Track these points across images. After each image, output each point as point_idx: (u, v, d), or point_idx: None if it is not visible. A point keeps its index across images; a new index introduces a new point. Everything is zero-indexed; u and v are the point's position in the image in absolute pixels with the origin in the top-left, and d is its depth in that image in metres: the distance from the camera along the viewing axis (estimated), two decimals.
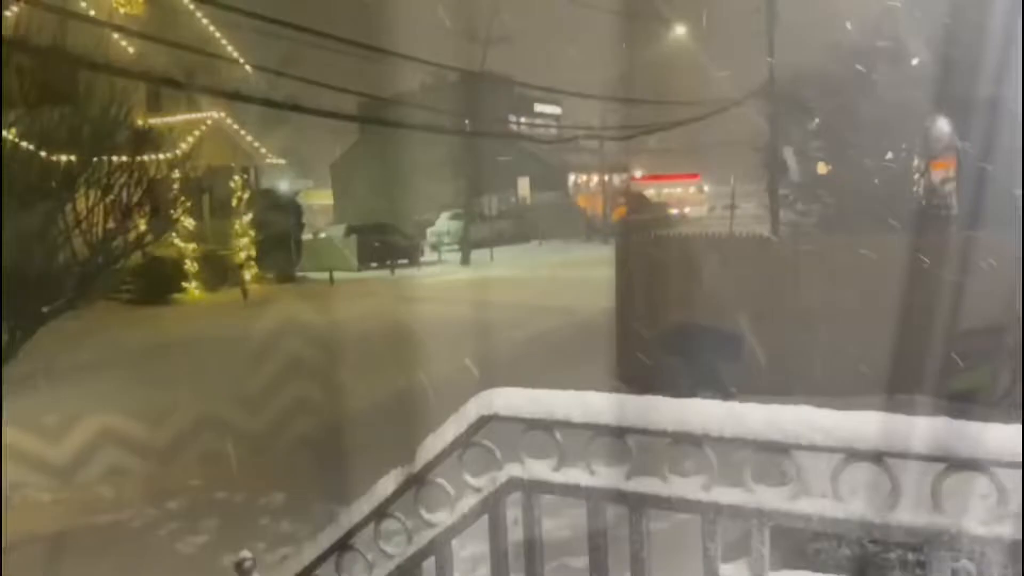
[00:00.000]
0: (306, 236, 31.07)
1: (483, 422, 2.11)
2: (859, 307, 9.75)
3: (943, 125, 15.64)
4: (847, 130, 12.94)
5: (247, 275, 24.54)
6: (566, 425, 2.02)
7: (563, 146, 38.96)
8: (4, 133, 8.74)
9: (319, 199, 53.13)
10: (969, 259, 9.32)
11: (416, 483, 2.25)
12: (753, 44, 19.05)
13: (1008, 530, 1.59)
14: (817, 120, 14.35)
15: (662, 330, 8.30)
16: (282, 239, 26.50)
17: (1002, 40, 10.22)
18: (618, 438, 1.98)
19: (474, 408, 2.12)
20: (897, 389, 9.42)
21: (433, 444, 2.20)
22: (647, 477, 1.98)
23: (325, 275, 26.03)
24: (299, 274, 27.57)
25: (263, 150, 30.55)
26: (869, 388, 9.60)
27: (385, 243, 31.36)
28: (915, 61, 15.90)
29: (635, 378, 10.68)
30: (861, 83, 13.04)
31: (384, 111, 27.66)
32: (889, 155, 13.16)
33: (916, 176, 13.46)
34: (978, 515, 1.64)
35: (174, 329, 15.91)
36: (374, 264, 30.46)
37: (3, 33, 10.56)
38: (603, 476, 2.02)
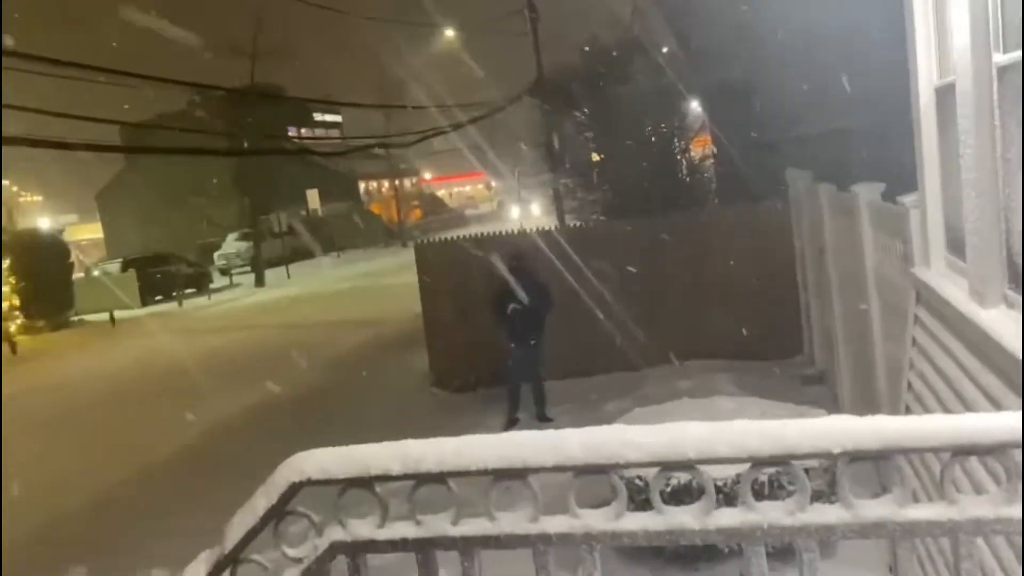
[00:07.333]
0: (78, 275, 28.53)
1: (295, 489, 1.97)
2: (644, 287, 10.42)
3: (695, 106, 17.00)
4: (612, 118, 13.68)
5: (12, 327, 22.12)
6: (385, 479, 1.93)
7: (351, 154, 38.36)
8: None
9: (87, 234, 48.93)
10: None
11: (230, 563, 2.07)
12: (518, 43, 19.70)
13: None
14: (586, 111, 15.03)
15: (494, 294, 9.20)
16: (50, 282, 24.17)
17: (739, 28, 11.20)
18: (440, 483, 1.92)
19: (283, 476, 1.98)
20: (694, 356, 10.16)
21: (243, 519, 2.03)
22: (474, 519, 1.93)
23: (105, 315, 23.96)
24: (75, 318, 25.27)
25: (15, 187, 27.62)
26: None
27: (168, 274, 29.41)
28: (664, 50, 17.15)
29: (450, 381, 10.75)
30: (619, 73, 13.83)
31: (149, 136, 25.85)
32: (653, 139, 14.06)
33: (678, 155, 14.51)
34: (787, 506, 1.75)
35: None
36: (159, 297, 28.51)
37: None
38: (429, 525, 1.95)
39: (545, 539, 1.88)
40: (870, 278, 5.97)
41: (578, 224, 13.36)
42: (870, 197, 5.95)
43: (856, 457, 1.71)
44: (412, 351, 12.04)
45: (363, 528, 1.99)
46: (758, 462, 1.72)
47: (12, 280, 23.10)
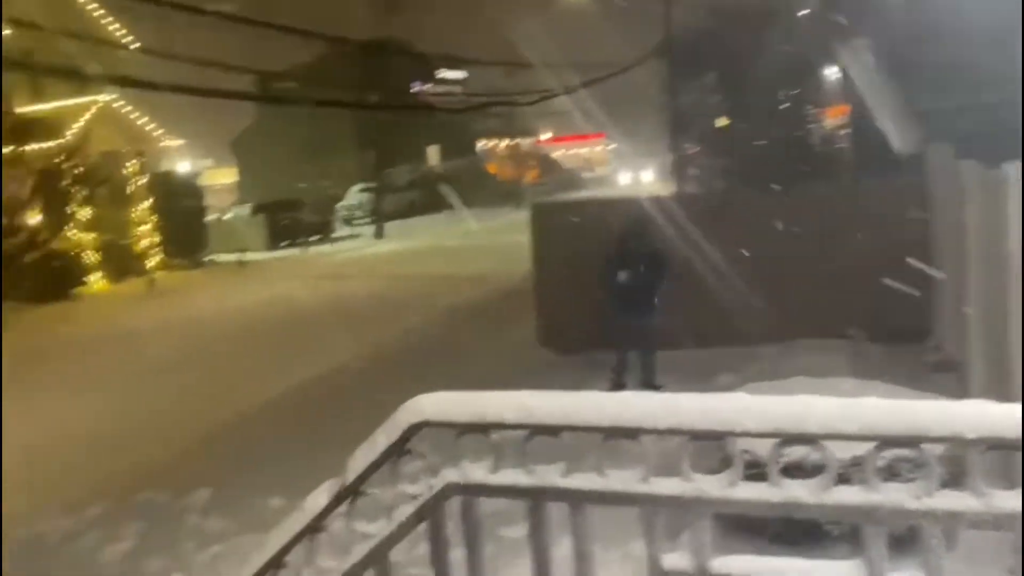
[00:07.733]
0: (212, 217, 30.12)
1: (414, 430, 2.05)
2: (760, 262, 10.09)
3: (833, 73, 16.17)
4: (742, 83, 13.24)
5: (151, 263, 23.68)
6: (500, 426, 1.98)
7: (471, 112, 38.65)
8: None
9: (222, 178, 51.36)
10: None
11: (350, 494, 2.18)
12: (646, 4, 19.17)
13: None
14: (713, 75, 14.61)
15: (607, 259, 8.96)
16: (185, 224, 25.64)
17: None
18: (553, 435, 1.95)
19: (403, 416, 2.06)
20: (814, 335, 9.80)
21: (365, 454, 2.13)
22: (585, 473, 1.96)
23: (235, 257, 25.28)
24: (207, 258, 26.74)
25: (158, 132, 29.26)
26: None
27: (295, 220, 30.62)
28: (804, 12, 16.33)
29: (557, 342, 10.80)
30: (753, 36, 13.32)
31: (281, 86, 26.80)
32: (785, 105, 13.54)
33: (810, 124, 13.91)
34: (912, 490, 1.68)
35: (83, 327, 15.25)
36: (285, 243, 29.75)
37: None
38: (540, 475, 1.99)
39: (655, 500, 1.89)
40: (1014, 263, 5.59)
41: (699, 191, 13.08)
42: (1020, 176, 5.55)
43: (992, 445, 1.63)
44: (521, 309, 12.15)
45: (477, 472, 2.05)
46: (886, 441, 1.67)
47: (153, 219, 24.62)
